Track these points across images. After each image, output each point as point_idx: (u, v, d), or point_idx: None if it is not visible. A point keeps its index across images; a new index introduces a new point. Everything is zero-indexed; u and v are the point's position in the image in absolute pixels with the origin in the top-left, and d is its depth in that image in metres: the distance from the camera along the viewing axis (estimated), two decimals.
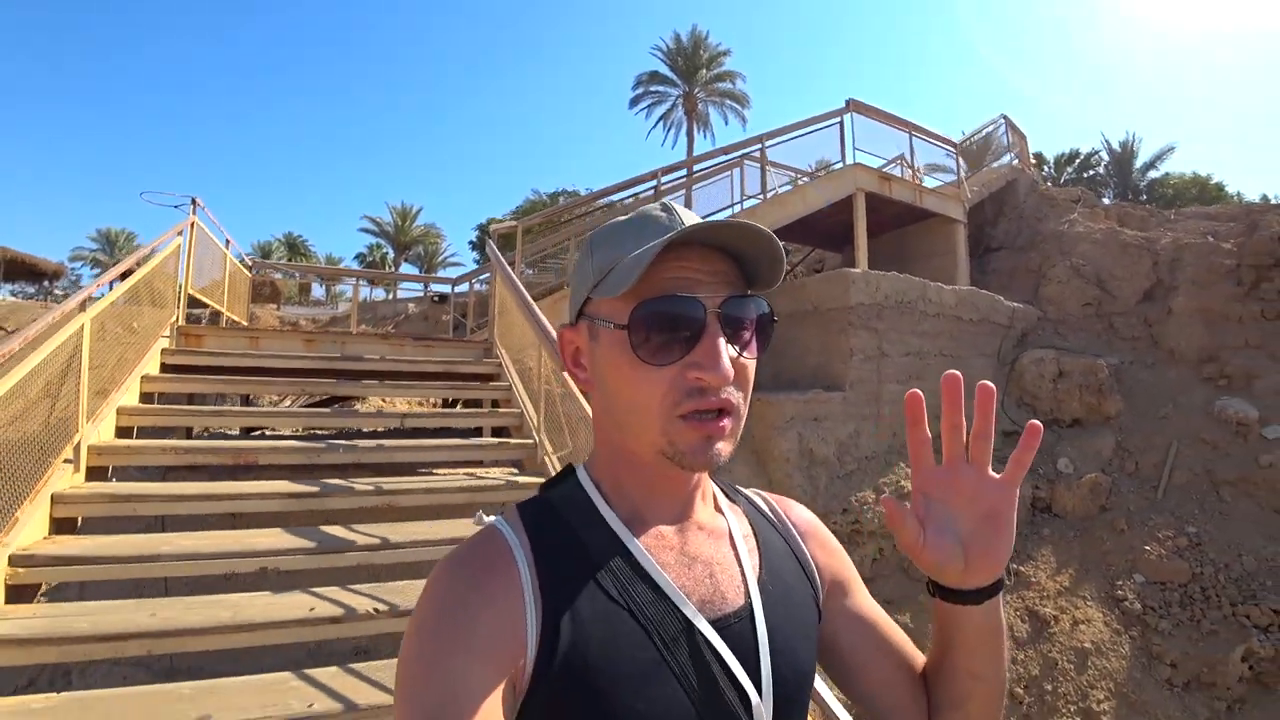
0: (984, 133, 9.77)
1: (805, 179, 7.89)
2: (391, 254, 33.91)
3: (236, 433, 4.64)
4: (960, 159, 9.24)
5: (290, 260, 34.56)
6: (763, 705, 0.54)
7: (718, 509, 0.64)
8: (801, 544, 0.67)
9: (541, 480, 3.32)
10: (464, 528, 2.84)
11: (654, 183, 6.52)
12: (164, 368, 3.78)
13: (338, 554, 2.58)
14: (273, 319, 14.09)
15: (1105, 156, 22.25)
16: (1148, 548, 5.12)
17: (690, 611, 0.54)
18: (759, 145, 7.57)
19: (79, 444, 2.84)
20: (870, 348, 6.19)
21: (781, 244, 0.54)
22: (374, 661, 2.19)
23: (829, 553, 0.69)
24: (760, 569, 0.61)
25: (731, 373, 0.53)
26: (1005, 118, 9.96)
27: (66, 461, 2.78)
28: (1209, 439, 6.03)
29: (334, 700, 1.90)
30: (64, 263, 28.09)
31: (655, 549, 0.57)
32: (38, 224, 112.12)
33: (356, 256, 39.24)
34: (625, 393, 0.55)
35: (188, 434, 3.81)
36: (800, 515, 0.71)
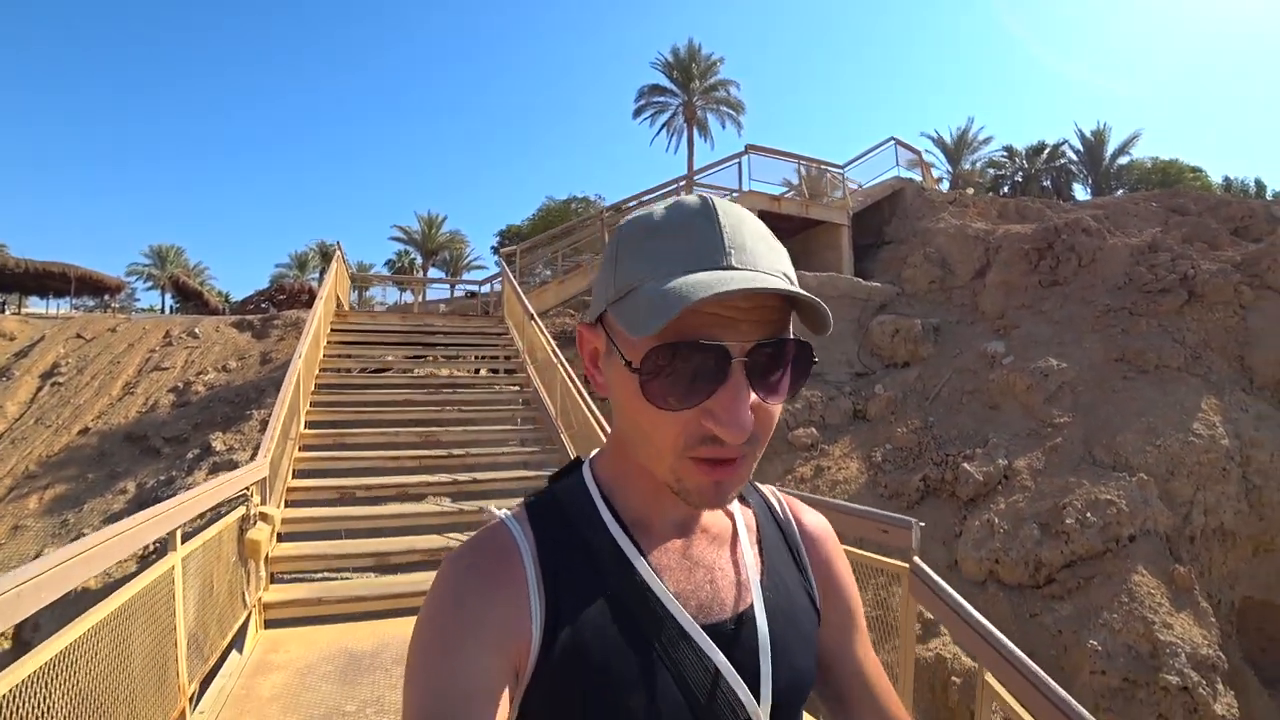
0: (876, 152, 13.43)
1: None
2: (420, 260, 38.68)
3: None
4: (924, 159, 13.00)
5: (322, 266, 39.77)
6: (761, 709, 0.59)
7: (727, 509, 0.68)
8: (804, 550, 0.72)
9: (521, 382, 7.41)
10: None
11: (606, 216, 10.56)
12: (332, 331, 7.96)
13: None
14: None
15: (1079, 146, 25.41)
16: (899, 430, 8.89)
17: (689, 615, 0.59)
18: (684, 180, 11.53)
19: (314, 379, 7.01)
20: None
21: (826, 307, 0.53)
22: None
23: (834, 566, 0.74)
24: (763, 574, 0.65)
25: (750, 427, 0.52)
26: (895, 139, 13.61)
27: (316, 388, 6.93)
28: (971, 367, 9.75)
29: None
30: (122, 277, 33.27)
31: (657, 552, 0.62)
32: (95, 241, 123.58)
33: (386, 263, 44.41)
34: (635, 424, 0.56)
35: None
36: (811, 521, 0.75)
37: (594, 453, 0.69)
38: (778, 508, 0.75)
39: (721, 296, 0.48)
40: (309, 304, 22.24)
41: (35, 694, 1.56)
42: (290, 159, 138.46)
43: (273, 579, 4.26)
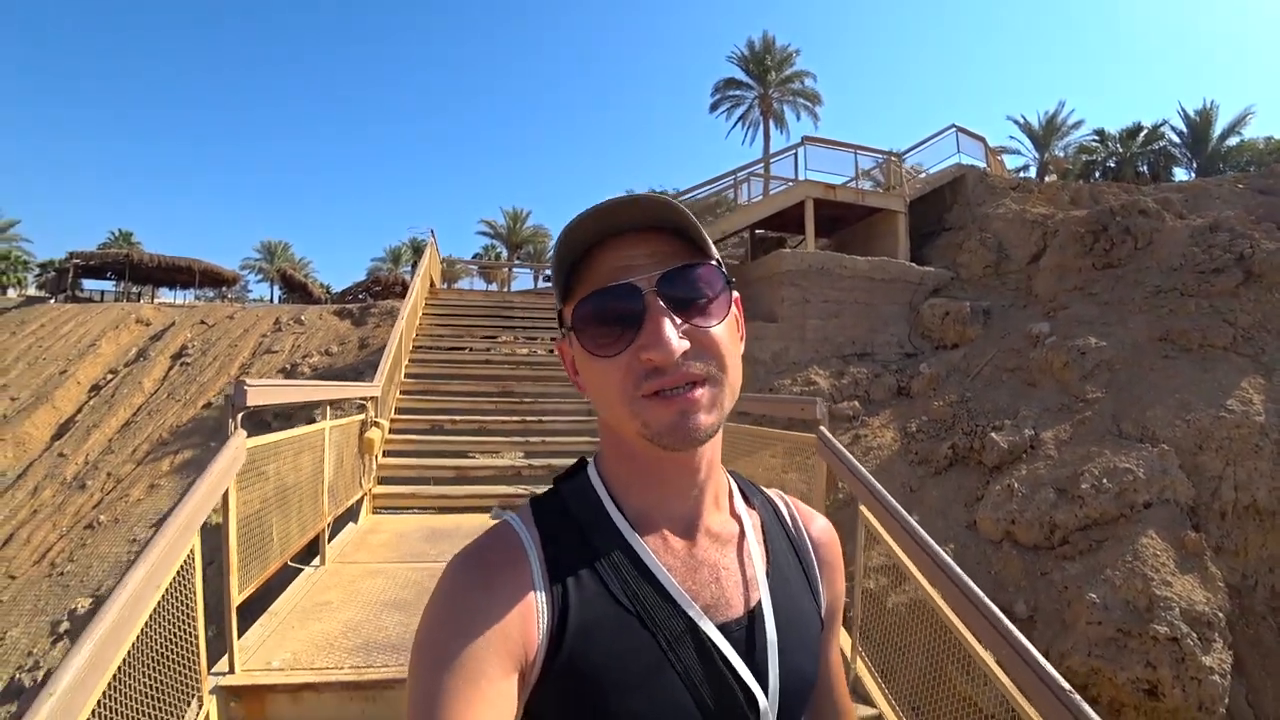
0: (936, 140, 13.81)
1: (780, 186, 12.60)
2: (505, 253, 40.98)
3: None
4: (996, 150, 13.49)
5: (414, 260, 42.82)
6: (770, 708, 0.60)
7: (733, 512, 0.71)
8: (813, 556, 0.75)
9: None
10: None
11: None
12: (426, 304, 9.44)
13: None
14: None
15: (1183, 127, 24.19)
16: (936, 404, 9.52)
17: (695, 614, 0.60)
18: (748, 170, 12.44)
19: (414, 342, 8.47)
20: (796, 297, 10.92)
21: (688, 211, 0.60)
22: None
23: (835, 572, 0.77)
24: (770, 576, 0.67)
25: (680, 347, 0.57)
26: (956, 126, 13.92)
27: (414, 347, 8.38)
28: (1015, 347, 10.21)
29: None
30: (237, 270, 36.99)
31: (661, 551, 0.63)
32: (213, 238, 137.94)
33: (474, 255, 47.26)
34: (594, 386, 0.61)
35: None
36: (819, 528, 0.78)
37: (594, 455, 0.71)
38: (785, 513, 0.77)
39: (593, 213, 0.58)
40: (402, 295, 24.47)
41: (263, 454, 2.85)
42: (385, 159, 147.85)
43: (380, 480, 5.63)
